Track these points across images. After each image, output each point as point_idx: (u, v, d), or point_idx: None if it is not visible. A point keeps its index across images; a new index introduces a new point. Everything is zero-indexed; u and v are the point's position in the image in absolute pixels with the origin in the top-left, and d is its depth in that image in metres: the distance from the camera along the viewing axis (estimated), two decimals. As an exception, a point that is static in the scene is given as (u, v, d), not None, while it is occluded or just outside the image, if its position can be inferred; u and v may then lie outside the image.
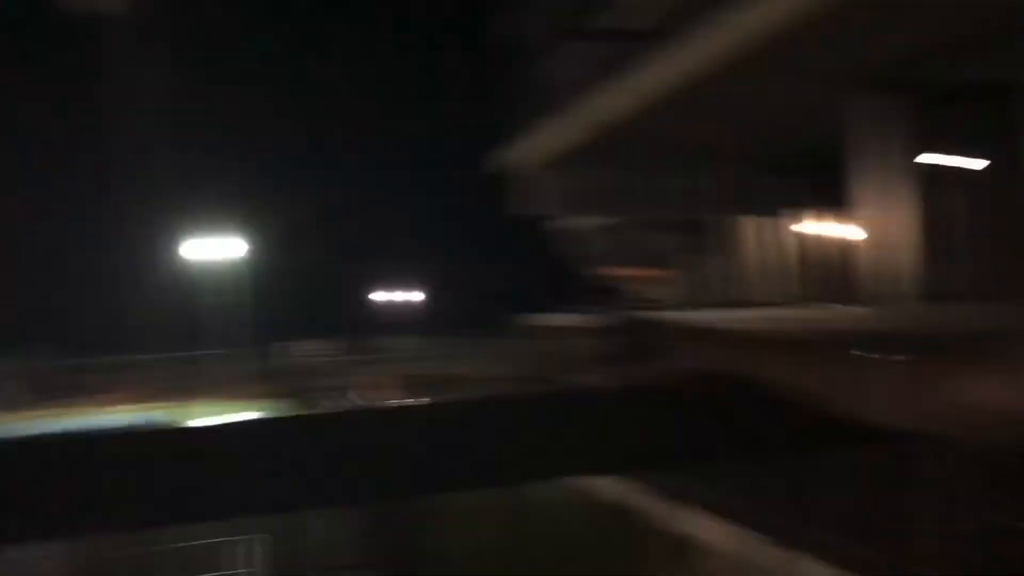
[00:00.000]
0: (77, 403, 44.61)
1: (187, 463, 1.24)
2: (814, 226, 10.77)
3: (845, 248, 9.40)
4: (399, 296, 73.70)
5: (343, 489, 1.34)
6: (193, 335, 47.99)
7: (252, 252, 61.50)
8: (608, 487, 9.52)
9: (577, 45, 9.47)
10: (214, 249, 48.42)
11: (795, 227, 11.01)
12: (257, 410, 35.50)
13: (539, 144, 9.83)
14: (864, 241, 7.64)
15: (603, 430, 1.47)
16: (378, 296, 72.14)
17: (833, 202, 8.62)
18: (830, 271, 10.06)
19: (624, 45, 8.51)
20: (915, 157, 7.25)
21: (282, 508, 1.34)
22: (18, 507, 1.16)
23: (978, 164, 7.62)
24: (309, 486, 1.29)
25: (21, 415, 41.22)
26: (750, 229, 11.59)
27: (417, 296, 77.31)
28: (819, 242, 10.57)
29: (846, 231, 9.34)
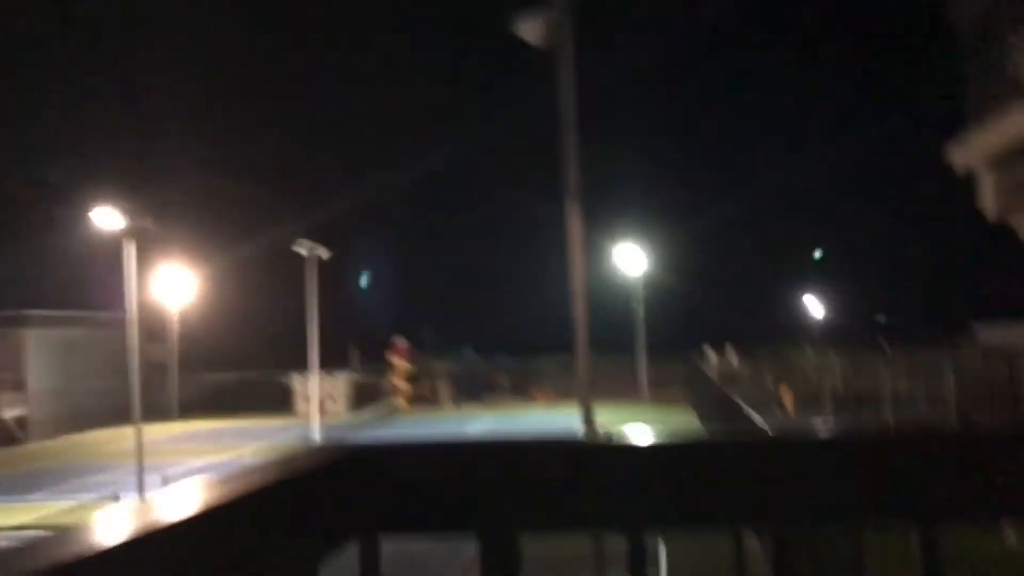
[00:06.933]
0: (502, 401, 51.44)
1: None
2: None
3: None
4: (822, 303, 71.02)
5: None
6: (615, 340, 52.97)
7: (670, 259, 64.71)
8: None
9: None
10: (636, 256, 52.92)
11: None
12: (686, 416, 38.05)
13: (1000, 135, 8.67)
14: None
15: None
16: (809, 303, 69.94)
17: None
18: None
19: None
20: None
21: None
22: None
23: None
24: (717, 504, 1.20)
25: (455, 412, 48.37)
26: None
27: (842, 302, 73.42)
28: None
29: None
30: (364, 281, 62.80)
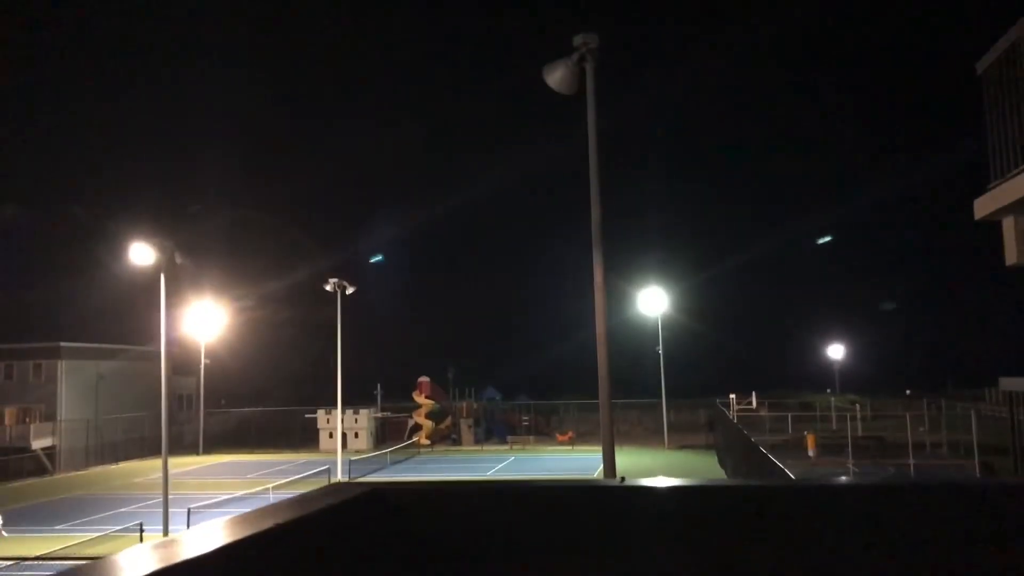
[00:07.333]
0: (524, 442, 51.39)
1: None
2: None
3: None
4: (842, 350, 70.38)
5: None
6: (639, 383, 52.76)
7: (696, 306, 64.46)
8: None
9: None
10: (659, 300, 52.83)
11: None
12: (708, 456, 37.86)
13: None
14: None
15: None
16: (833, 351, 69.56)
17: None
18: None
19: None
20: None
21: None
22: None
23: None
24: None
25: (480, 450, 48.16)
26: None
27: (867, 350, 72.74)
28: None
29: None
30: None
